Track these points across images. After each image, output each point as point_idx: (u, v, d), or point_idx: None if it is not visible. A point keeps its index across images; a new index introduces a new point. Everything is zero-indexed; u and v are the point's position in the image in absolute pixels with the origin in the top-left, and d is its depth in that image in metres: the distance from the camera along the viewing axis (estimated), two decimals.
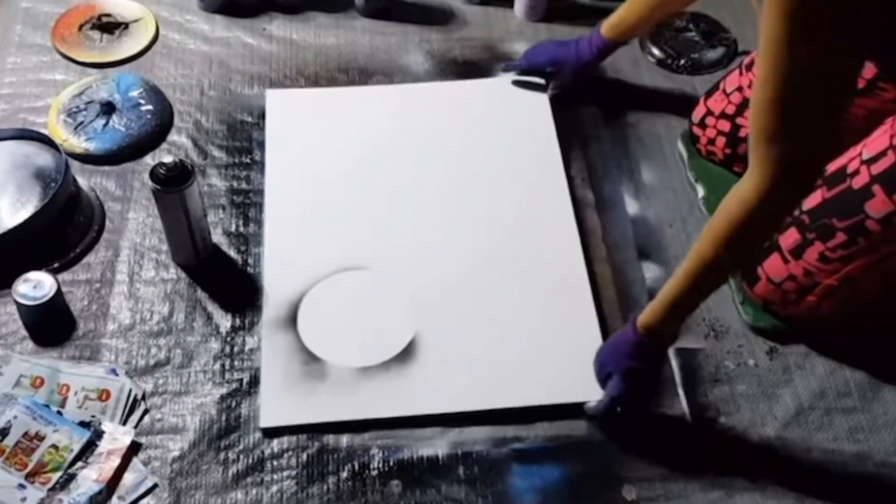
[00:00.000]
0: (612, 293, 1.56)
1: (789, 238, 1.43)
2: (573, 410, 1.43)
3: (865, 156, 1.35)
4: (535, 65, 1.79)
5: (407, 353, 1.47)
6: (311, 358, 1.46)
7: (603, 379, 1.41)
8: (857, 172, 1.35)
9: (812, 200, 1.41)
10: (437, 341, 1.48)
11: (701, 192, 1.67)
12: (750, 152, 1.17)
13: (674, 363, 1.48)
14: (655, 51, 1.90)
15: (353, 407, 1.41)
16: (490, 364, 1.46)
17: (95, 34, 1.87)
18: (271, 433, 1.39)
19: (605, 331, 1.50)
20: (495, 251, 1.59)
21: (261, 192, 1.65)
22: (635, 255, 1.61)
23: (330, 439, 1.39)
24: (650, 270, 1.59)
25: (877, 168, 1.32)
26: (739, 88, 1.63)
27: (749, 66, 1.63)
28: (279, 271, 1.55)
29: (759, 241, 1.30)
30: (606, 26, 1.68)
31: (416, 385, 1.44)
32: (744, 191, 1.18)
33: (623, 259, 1.60)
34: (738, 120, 1.62)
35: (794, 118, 1.12)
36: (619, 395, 1.37)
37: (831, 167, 1.39)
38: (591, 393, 1.42)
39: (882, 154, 1.32)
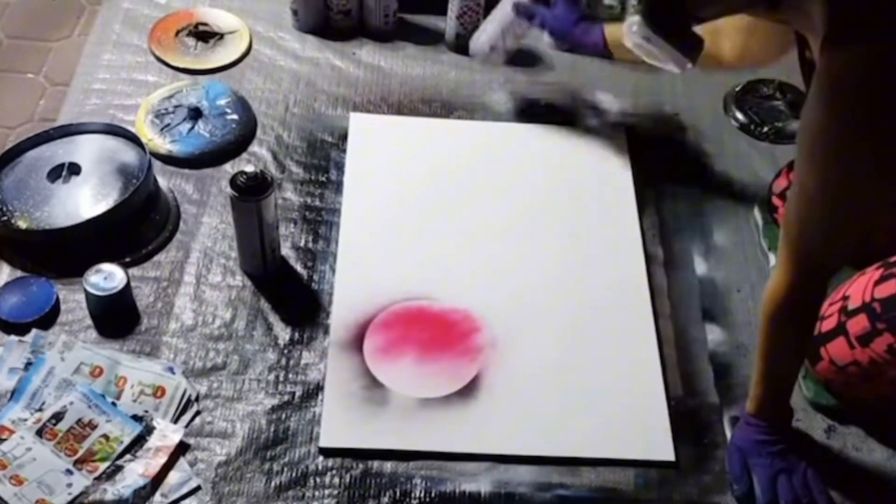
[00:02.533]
0: (672, 352, 1.54)
1: (858, 325, 1.40)
2: (621, 462, 1.41)
3: None
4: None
5: (469, 390, 1.46)
6: (373, 383, 1.46)
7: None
8: None
9: (886, 290, 1.37)
10: (500, 382, 1.48)
11: (773, 260, 1.65)
12: (780, 247, 1.22)
13: (728, 431, 1.45)
14: (739, 115, 1.89)
15: (410, 437, 1.41)
16: (548, 409, 1.45)
17: (191, 41, 1.91)
18: (328, 453, 1.39)
19: (668, 390, 1.49)
20: (563, 298, 1.58)
21: (333, 211, 1.67)
22: (700, 315, 1.59)
23: (374, 463, 1.39)
24: (713, 333, 1.57)
25: None
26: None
27: None
28: (349, 292, 1.56)
29: (794, 330, 1.33)
30: (609, 30, 1.69)
31: (474, 422, 1.43)
32: (771, 286, 1.29)
33: (687, 319, 1.58)
34: None
35: (829, 232, 1.16)
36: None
37: None
38: (646, 451, 1.42)
39: None
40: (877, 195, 1.14)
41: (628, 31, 1.24)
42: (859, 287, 1.42)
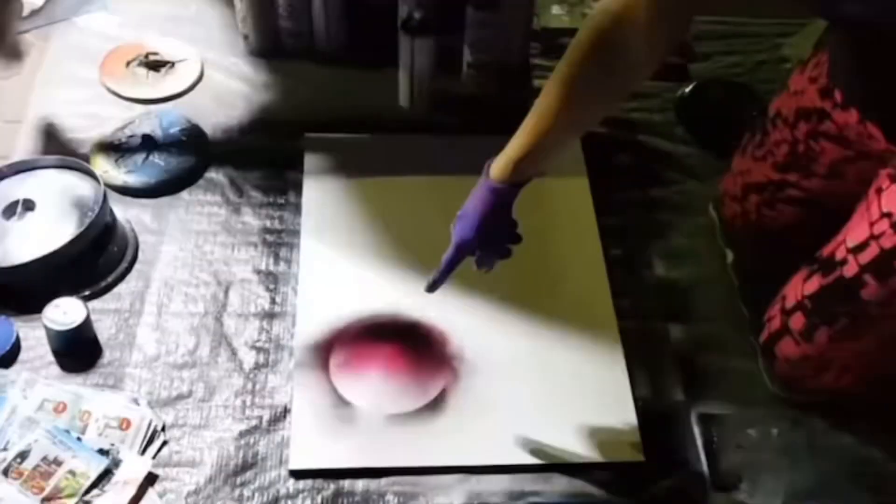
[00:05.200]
0: (637, 353, 1.55)
1: (797, 322, 1.44)
2: (592, 466, 1.42)
3: (850, 244, 1.34)
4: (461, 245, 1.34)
5: (437, 404, 1.46)
6: (340, 402, 1.46)
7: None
8: (845, 261, 1.34)
9: (811, 286, 1.41)
10: (467, 393, 1.48)
11: (730, 257, 1.67)
12: None
13: (696, 429, 1.46)
14: (690, 116, 1.90)
15: (380, 454, 1.41)
16: (517, 418, 1.46)
17: (142, 71, 1.91)
18: (298, 475, 1.38)
19: (634, 391, 1.50)
20: (527, 305, 1.59)
21: (293, 233, 1.67)
22: (662, 315, 1.60)
23: (346, 483, 1.38)
24: (676, 331, 1.58)
25: (864, 258, 1.31)
26: (741, 172, 1.64)
27: (744, 151, 1.64)
28: (312, 312, 1.56)
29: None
30: (493, 168, 1.30)
31: (444, 435, 1.43)
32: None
33: (649, 319, 1.59)
34: (745, 205, 1.64)
35: None
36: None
37: (824, 252, 1.39)
38: (615, 453, 1.43)
39: (865, 245, 1.31)
40: None
41: None
42: (793, 286, 1.46)
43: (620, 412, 1.47)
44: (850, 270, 1.33)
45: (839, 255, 1.35)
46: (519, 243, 1.34)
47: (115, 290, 1.58)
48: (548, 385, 1.50)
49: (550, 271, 1.64)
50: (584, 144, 1.83)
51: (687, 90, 1.95)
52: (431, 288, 1.36)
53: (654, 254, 1.69)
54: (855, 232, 1.34)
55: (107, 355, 1.49)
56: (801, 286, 1.43)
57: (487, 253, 1.34)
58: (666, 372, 1.53)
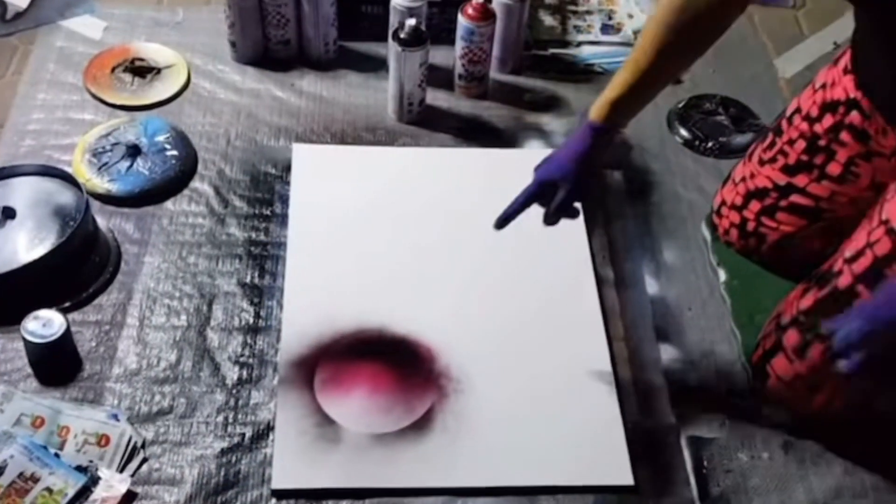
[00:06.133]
0: (627, 373, 1.52)
1: (791, 338, 1.42)
2: (580, 489, 1.39)
3: (847, 254, 1.33)
4: (544, 181, 1.45)
5: (423, 423, 1.43)
6: (325, 420, 1.42)
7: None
8: (840, 273, 1.33)
9: (806, 301, 1.40)
10: (454, 413, 1.45)
11: (723, 276, 1.65)
12: None
13: (686, 452, 1.44)
14: (683, 131, 1.89)
15: (364, 474, 1.38)
16: (504, 439, 1.43)
17: (127, 77, 1.88)
18: (281, 495, 1.35)
19: (624, 413, 1.47)
20: (517, 325, 1.56)
21: (278, 245, 1.64)
22: (653, 335, 1.58)
23: (329, 503, 1.35)
24: (666, 352, 1.56)
25: (857, 267, 1.31)
26: (744, 179, 1.63)
27: (750, 157, 1.63)
28: (297, 327, 1.52)
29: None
30: (592, 110, 1.40)
31: (429, 456, 1.40)
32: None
33: (640, 339, 1.57)
34: (745, 213, 1.62)
35: None
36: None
37: (823, 267, 1.39)
38: (604, 476, 1.40)
39: (861, 253, 1.31)
40: None
41: None
42: (788, 302, 1.45)
43: (610, 434, 1.44)
44: (843, 281, 1.32)
45: (836, 266, 1.34)
46: (585, 201, 1.48)
47: (97, 301, 1.55)
48: (536, 406, 1.47)
49: (540, 290, 1.61)
50: None
51: (681, 104, 1.93)
52: (501, 224, 1.45)
53: (645, 272, 1.66)
54: (853, 242, 1.33)
55: (87, 368, 1.46)
56: (797, 302, 1.42)
57: (564, 199, 1.42)
58: (656, 394, 1.51)
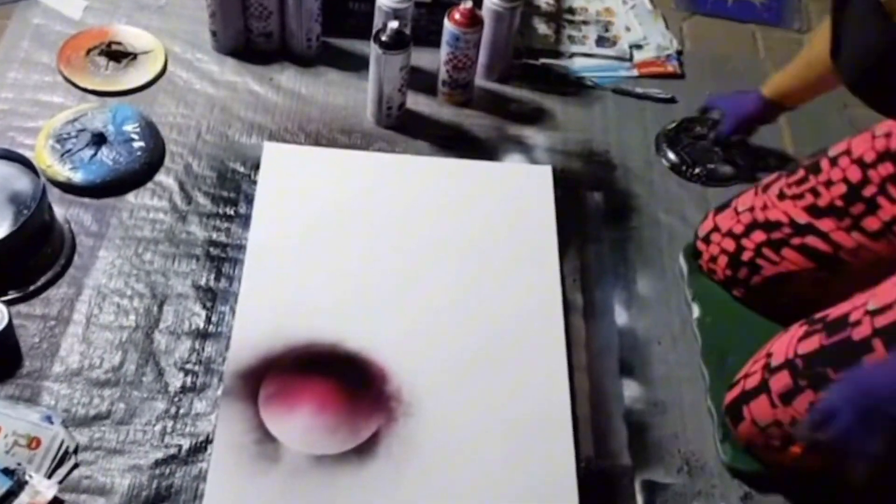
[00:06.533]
0: (586, 407, 1.47)
1: (780, 381, 1.34)
2: None
3: (871, 307, 1.25)
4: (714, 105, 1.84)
5: (367, 447, 1.38)
6: (266, 437, 1.37)
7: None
8: (859, 323, 1.25)
9: (809, 345, 1.31)
10: (401, 439, 1.40)
11: (696, 312, 1.59)
12: None
13: (639, 497, 1.38)
14: (671, 155, 1.83)
15: (302, 498, 1.33)
16: (449, 470, 1.37)
17: (102, 60, 1.82)
18: None
19: (578, 450, 1.41)
20: (476, 348, 1.50)
21: (238, 248, 1.58)
22: (617, 368, 1.52)
23: None
24: (630, 388, 1.50)
25: (881, 321, 1.23)
26: (751, 209, 1.55)
27: (766, 188, 1.56)
28: (248, 336, 1.47)
29: None
30: (766, 87, 1.71)
31: (370, 483, 1.35)
32: None
33: (603, 372, 1.51)
34: (744, 241, 1.55)
35: None
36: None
37: (833, 313, 1.31)
38: None
39: (889, 307, 1.23)
40: None
41: None
42: (782, 344, 1.37)
43: (561, 472, 1.39)
44: (860, 332, 1.24)
45: (854, 316, 1.26)
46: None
47: (45, 294, 1.50)
48: (486, 437, 1.42)
49: (504, 313, 1.55)
50: (557, 177, 1.75)
51: (670, 126, 1.87)
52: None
53: (617, 301, 1.60)
54: (880, 295, 1.25)
55: (26, 365, 1.41)
56: (796, 344, 1.34)
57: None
58: (614, 432, 1.45)
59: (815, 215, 1.48)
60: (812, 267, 1.49)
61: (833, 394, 1.21)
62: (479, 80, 1.89)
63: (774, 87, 1.69)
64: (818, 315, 1.34)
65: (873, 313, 1.24)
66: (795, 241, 1.50)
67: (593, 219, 1.72)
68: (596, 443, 1.44)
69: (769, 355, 1.39)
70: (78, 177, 1.63)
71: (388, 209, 1.67)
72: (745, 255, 1.55)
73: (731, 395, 1.44)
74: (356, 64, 1.88)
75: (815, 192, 1.48)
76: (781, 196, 1.52)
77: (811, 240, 1.48)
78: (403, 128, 1.80)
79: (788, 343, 1.35)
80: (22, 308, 1.47)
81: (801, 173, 1.51)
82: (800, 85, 1.64)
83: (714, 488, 1.41)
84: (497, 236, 1.66)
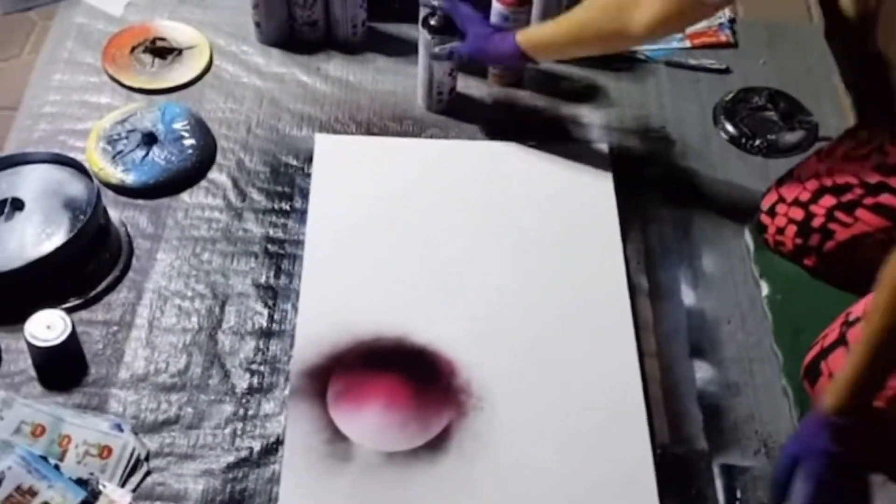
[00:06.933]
0: (658, 393, 1.44)
1: (858, 331, 1.30)
2: None
3: None
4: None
5: (439, 442, 1.36)
6: (336, 436, 1.36)
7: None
8: None
9: None
10: (472, 433, 1.37)
11: (765, 289, 1.55)
12: None
13: (718, 481, 1.35)
14: (729, 127, 1.78)
15: (375, 497, 1.31)
16: (524, 463, 1.35)
17: (147, 58, 1.80)
18: None
19: (653, 437, 1.39)
20: (542, 337, 1.47)
21: (297, 243, 1.56)
22: (687, 351, 1.49)
23: None
24: (701, 370, 1.47)
25: None
26: (816, 175, 1.51)
27: (829, 154, 1.52)
28: (312, 333, 1.45)
29: None
30: (522, 34, 1.58)
31: (444, 479, 1.33)
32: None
33: (673, 356, 1.48)
34: (812, 208, 1.51)
35: None
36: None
37: None
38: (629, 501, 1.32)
39: None
40: None
41: None
42: (862, 301, 1.35)
43: (637, 460, 1.36)
44: None
45: None
46: None
47: (105, 300, 1.48)
48: (560, 427, 1.39)
49: (570, 299, 1.52)
50: (614, 156, 1.71)
51: (727, 98, 1.82)
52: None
53: (682, 281, 1.57)
54: None
55: (92, 372, 1.40)
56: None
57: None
58: (689, 416, 1.42)
59: (885, 173, 1.43)
60: (888, 226, 1.44)
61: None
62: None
63: (532, 39, 1.57)
64: None
65: None
66: (868, 200, 1.45)
67: (653, 197, 1.68)
68: (671, 428, 1.41)
69: (848, 313, 1.37)
70: (131, 178, 1.61)
71: (445, 196, 1.64)
72: (816, 222, 1.50)
73: (809, 357, 1.40)
74: (404, 49, 1.84)
75: (881, 151, 1.44)
76: (848, 158, 1.48)
77: (885, 198, 1.44)
78: (455, 112, 1.77)
79: (867, 300, 1.31)
80: (84, 315, 1.46)
81: (863, 135, 1.47)
82: (562, 43, 1.56)
83: None
84: (557, 219, 1.62)
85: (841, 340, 1.35)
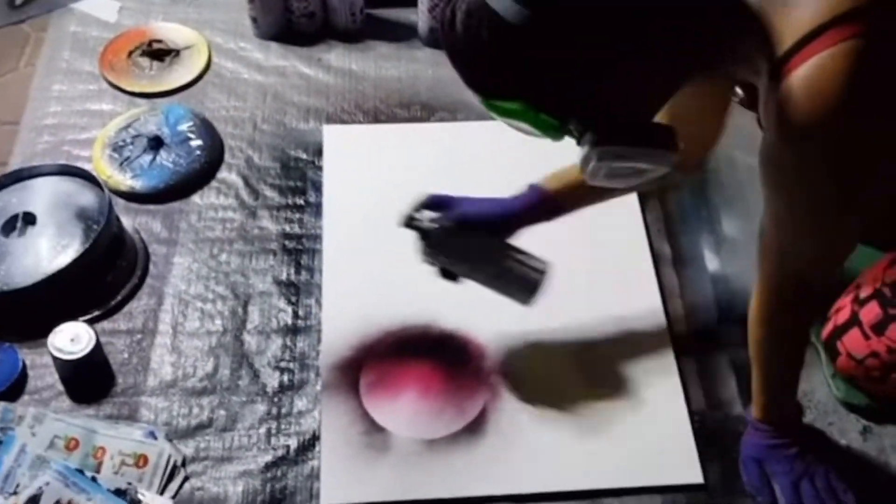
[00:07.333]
0: (690, 361, 1.43)
1: (870, 312, 1.30)
2: (646, 490, 1.31)
3: None
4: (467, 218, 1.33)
5: (476, 426, 1.35)
6: (373, 427, 1.35)
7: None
8: None
9: (894, 273, 1.28)
10: (509, 413, 1.36)
11: None
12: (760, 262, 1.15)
13: None
14: (738, 89, 1.76)
15: (417, 484, 1.30)
16: (562, 440, 1.34)
17: (145, 61, 1.78)
18: None
19: (689, 404, 1.38)
20: (570, 313, 1.46)
21: (314, 238, 1.55)
22: (716, 317, 1.48)
23: None
24: (731, 334, 1.45)
25: None
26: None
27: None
28: (339, 326, 1.44)
29: (788, 338, 1.23)
30: (551, 180, 1.34)
31: (485, 461, 1.32)
32: (756, 300, 1.20)
33: (702, 322, 1.47)
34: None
35: (809, 256, 1.09)
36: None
37: None
38: (672, 475, 1.32)
39: None
40: (848, 213, 1.04)
41: (591, 165, 1.05)
42: (871, 274, 1.34)
43: (676, 429, 1.36)
44: None
45: None
46: None
47: (126, 308, 1.47)
48: (595, 400, 1.38)
49: (593, 272, 1.51)
50: None
51: None
52: None
53: (705, 246, 1.56)
54: None
55: (120, 382, 1.39)
56: (883, 273, 1.30)
57: None
58: (723, 382, 1.41)
59: None
60: None
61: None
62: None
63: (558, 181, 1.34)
64: None
65: None
66: None
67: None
68: (706, 396, 1.40)
69: (858, 287, 1.35)
70: (140, 184, 1.60)
71: (458, 178, 1.61)
72: None
73: (826, 332, 1.40)
74: (404, 34, 1.83)
75: None
76: None
77: None
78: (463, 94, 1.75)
79: (876, 273, 1.32)
80: (106, 325, 1.44)
81: None
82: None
83: (831, 425, 1.38)
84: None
85: (854, 321, 1.34)
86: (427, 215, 1.32)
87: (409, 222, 1.32)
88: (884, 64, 0.90)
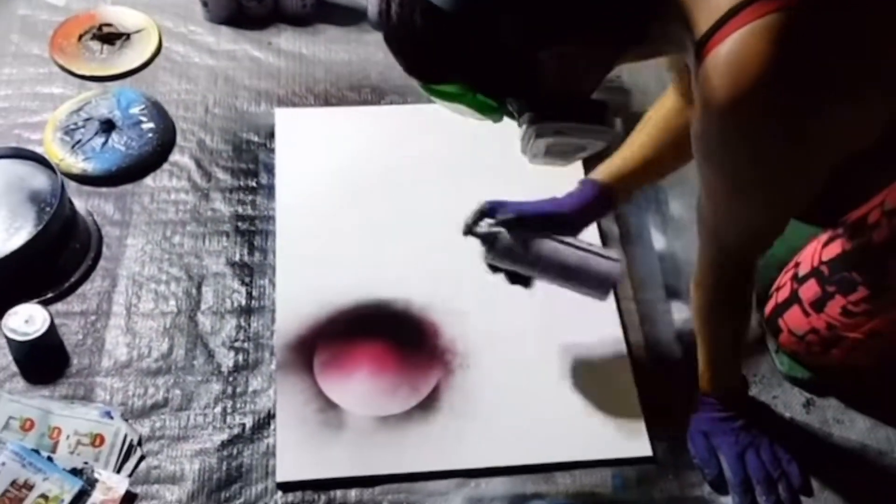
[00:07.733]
0: (639, 336, 1.47)
1: (809, 290, 1.34)
2: (597, 464, 1.35)
3: (888, 206, 1.22)
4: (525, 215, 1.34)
5: (429, 402, 1.38)
6: (327, 405, 1.37)
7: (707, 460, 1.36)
8: (878, 225, 1.22)
9: (831, 251, 1.31)
10: (462, 390, 1.39)
11: None
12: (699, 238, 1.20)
13: None
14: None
15: (372, 461, 1.33)
16: (515, 415, 1.37)
17: (95, 45, 1.77)
18: (287, 487, 1.30)
19: (637, 380, 1.41)
20: (520, 292, 1.48)
21: (267, 219, 1.56)
22: (663, 293, 1.52)
23: (338, 493, 1.30)
24: (679, 311, 1.50)
25: None
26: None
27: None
28: (292, 306, 1.46)
29: (728, 314, 1.27)
30: (602, 172, 1.38)
31: (438, 437, 1.35)
32: (696, 276, 1.24)
33: (650, 298, 1.51)
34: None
35: (744, 230, 1.13)
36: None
37: (851, 216, 1.28)
38: (621, 449, 1.36)
39: None
40: (774, 187, 1.07)
41: (530, 143, 1.10)
42: (809, 252, 1.37)
43: (625, 403, 1.39)
44: (881, 235, 1.22)
45: (872, 217, 1.23)
46: None
47: (80, 290, 1.47)
48: (546, 377, 1.42)
49: None
50: None
51: None
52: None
53: (651, 226, 1.59)
54: None
55: (74, 363, 1.40)
56: (820, 251, 1.33)
57: None
58: (671, 357, 1.45)
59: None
60: None
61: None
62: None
63: (612, 172, 1.37)
64: (843, 220, 1.32)
65: (890, 214, 1.20)
66: None
67: (614, 146, 1.69)
68: (654, 371, 1.44)
69: (797, 265, 1.39)
70: (93, 167, 1.60)
71: (410, 161, 1.65)
72: None
73: (767, 310, 1.44)
74: (354, 17, 1.84)
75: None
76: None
77: None
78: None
79: (814, 250, 1.35)
80: (59, 307, 1.45)
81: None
82: (641, 160, 1.37)
83: (776, 399, 1.42)
84: (524, 171, 1.63)
85: (793, 298, 1.37)
86: (486, 222, 1.31)
87: (469, 231, 1.32)
88: (802, 39, 0.92)
